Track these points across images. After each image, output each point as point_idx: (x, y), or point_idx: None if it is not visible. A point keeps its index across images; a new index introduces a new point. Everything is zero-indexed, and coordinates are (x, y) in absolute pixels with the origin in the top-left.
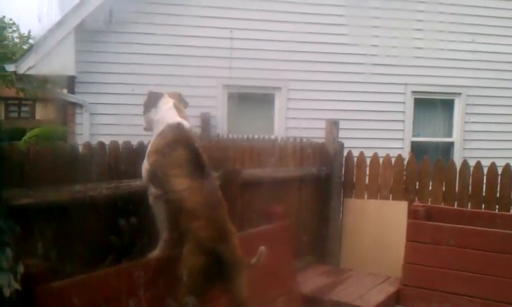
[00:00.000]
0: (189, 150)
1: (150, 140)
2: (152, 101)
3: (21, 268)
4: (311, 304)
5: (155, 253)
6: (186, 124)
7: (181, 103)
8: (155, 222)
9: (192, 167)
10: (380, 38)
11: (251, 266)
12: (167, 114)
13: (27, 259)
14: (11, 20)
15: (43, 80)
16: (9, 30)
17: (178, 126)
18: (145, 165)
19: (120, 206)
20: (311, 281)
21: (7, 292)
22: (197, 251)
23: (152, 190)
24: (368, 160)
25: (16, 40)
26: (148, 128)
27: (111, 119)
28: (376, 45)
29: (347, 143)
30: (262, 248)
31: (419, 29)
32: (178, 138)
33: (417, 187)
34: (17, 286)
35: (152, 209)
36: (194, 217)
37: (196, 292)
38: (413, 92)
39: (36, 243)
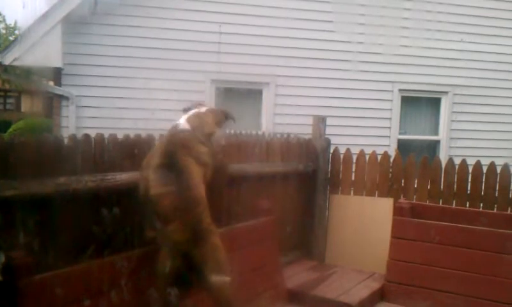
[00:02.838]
0: (165, 152)
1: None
2: (186, 109)
3: (2, 258)
4: (296, 299)
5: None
6: (183, 124)
7: (212, 114)
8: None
9: (164, 170)
10: (366, 35)
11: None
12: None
13: (11, 251)
14: None
15: (29, 72)
16: None
17: (172, 127)
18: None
19: (105, 199)
20: (296, 276)
21: None
22: (171, 254)
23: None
24: (354, 157)
25: (2, 31)
26: None
27: (97, 112)
28: (361, 42)
29: (333, 140)
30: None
31: (406, 27)
32: (163, 140)
33: (403, 184)
34: None
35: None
36: (167, 220)
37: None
38: (400, 90)
39: (19, 235)
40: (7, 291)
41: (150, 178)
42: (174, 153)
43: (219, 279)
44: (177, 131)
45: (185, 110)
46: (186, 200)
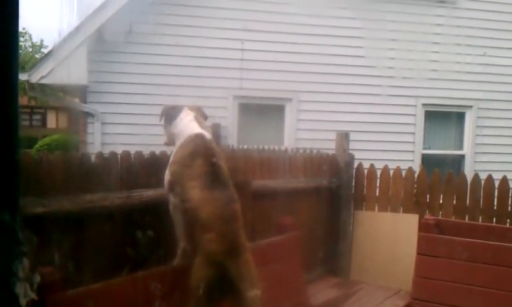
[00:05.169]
0: (209, 161)
1: (171, 151)
2: (173, 114)
3: (37, 278)
4: None
5: (174, 262)
6: (207, 135)
7: (201, 115)
8: (173, 231)
9: (210, 179)
10: (396, 51)
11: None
12: (188, 126)
13: (41, 268)
14: (23, 29)
15: (56, 90)
16: (22, 39)
17: (199, 137)
18: (166, 176)
19: (131, 216)
20: (322, 293)
21: (23, 302)
22: (206, 263)
23: (172, 199)
24: (378, 173)
25: (29, 49)
26: (169, 142)
27: (122, 129)
28: (392, 58)
29: (357, 155)
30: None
31: (435, 43)
32: (198, 149)
33: (428, 200)
34: (33, 295)
35: (172, 218)
36: (206, 229)
37: (203, 305)
38: (424, 104)
39: (49, 252)
40: None
41: (191, 184)
42: (218, 164)
43: (252, 294)
44: (212, 142)
45: (168, 114)
46: (230, 212)
